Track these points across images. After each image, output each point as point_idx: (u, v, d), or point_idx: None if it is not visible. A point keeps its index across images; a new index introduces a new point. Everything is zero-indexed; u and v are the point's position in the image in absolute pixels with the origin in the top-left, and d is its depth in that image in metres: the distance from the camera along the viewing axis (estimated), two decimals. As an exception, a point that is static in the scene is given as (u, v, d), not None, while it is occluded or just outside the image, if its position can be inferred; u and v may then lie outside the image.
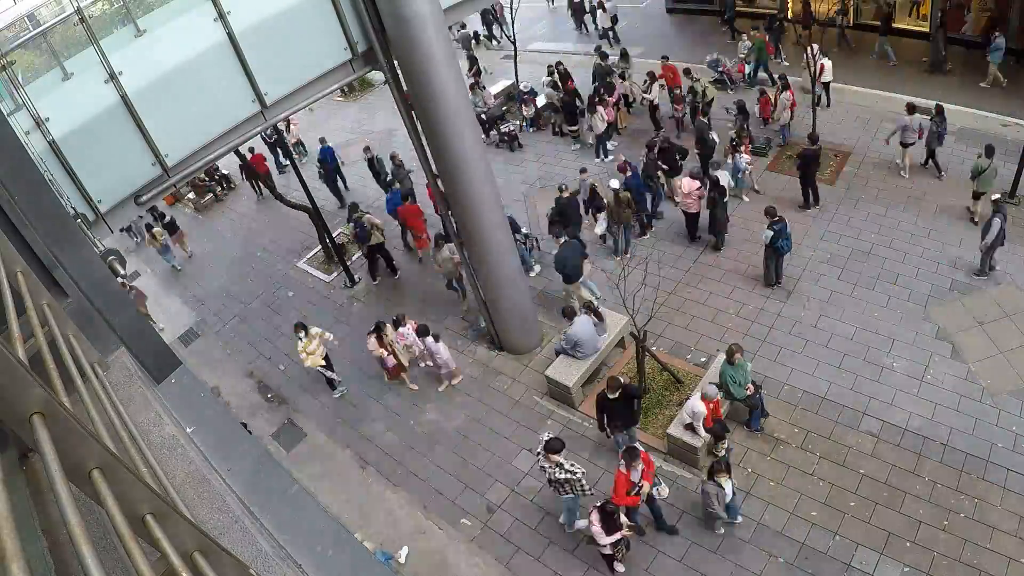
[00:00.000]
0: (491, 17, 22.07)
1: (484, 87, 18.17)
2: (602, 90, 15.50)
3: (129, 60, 6.07)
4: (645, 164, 13.01)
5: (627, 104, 16.67)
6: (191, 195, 18.44)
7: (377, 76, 19.78)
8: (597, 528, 7.09)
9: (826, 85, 14.74)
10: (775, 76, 15.04)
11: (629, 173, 12.33)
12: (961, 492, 7.89)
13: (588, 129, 15.63)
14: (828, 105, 14.98)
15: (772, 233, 10.38)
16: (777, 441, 8.90)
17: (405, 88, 8.50)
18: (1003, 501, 7.71)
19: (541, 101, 17.45)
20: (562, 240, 11.01)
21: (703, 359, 10.19)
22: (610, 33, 20.62)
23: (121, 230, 16.24)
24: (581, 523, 8.07)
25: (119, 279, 4.53)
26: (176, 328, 13.95)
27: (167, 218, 16.09)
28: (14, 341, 2.27)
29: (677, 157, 13.22)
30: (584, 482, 7.68)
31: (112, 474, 1.71)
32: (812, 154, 12.00)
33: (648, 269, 8.82)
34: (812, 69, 12.58)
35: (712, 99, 14.87)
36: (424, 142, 8.99)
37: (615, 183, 12.07)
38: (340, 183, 16.48)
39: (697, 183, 11.91)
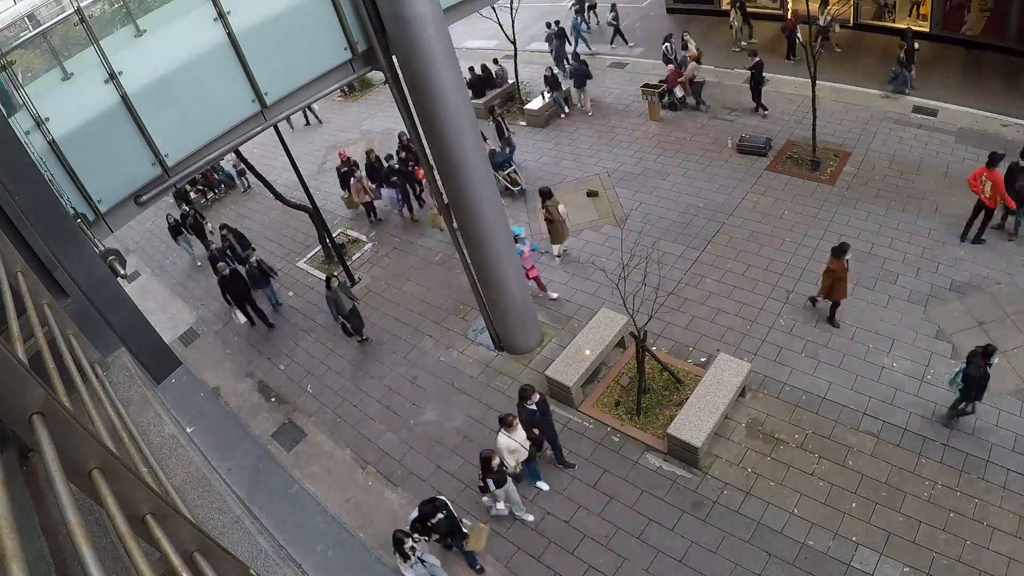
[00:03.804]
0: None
1: None
2: None
3: (129, 60, 6.07)
4: None
5: None
6: (191, 195, 18.42)
7: (377, 76, 19.82)
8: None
9: None
10: None
11: None
12: (961, 492, 7.89)
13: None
14: None
15: None
16: (777, 441, 8.90)
17: (405, 88, 8.50)
18: (1003, 501, 7.71)
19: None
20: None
21: (703, 359, 10.20)
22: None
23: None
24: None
25: (119, 279, 4.53)
26: (176, 328, 13.95)
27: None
28: (14, 341, 2.27)
29: None
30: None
31: (112, 474, 1.72)
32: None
33: (648, 269, 8.82)
34: (812, 69, 12.57)
35: None
36: (424, 142, 8.99)
37: None
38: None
39: None
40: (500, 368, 11.00)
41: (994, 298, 10.11)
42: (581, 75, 17.32)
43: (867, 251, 11.41)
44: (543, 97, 17.67)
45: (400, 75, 8.35)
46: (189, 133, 6.64)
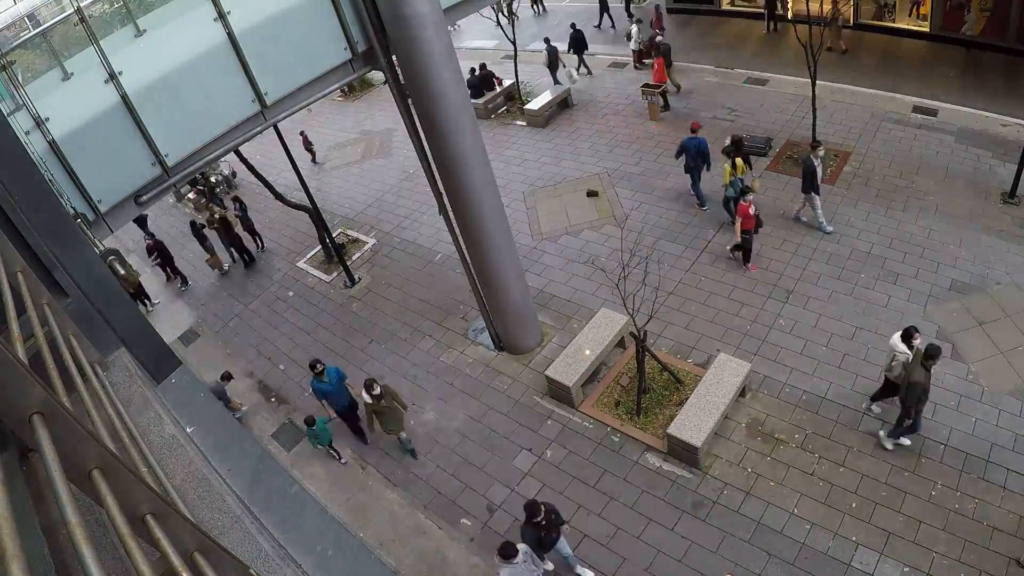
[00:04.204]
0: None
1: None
2: None
3: (129, 60, 6.07)
4: None
5: None
6: (191, 195, 18.44)
7: (377, 76, 19.86)
8: None
9: None
10: None
11: None
12: (961, 492, 7.89)
13: None
14: None
15: None
16: (777, 441, 8.91)
17: (405, 88, 8.50)
18: (1003, 501, 7.71)
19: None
20: None
21: (703, 359, 10.20)
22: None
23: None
24: None
25: (119, 279, 4.53)
26: (176, 328, 13.95)
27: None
28: (14, 341, 2.27)
29: None
30: None
31: (112, 474, 1.72)
32: None
33: (648, 269, 8.82)
34: (812, 69, 12.58)
35: None
36: (424, 142, 8.99)
37: None
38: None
39: None
40: (500, 368, 11.00)
41: (994, 298, 10.12)
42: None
43: (867, 251, 11.41)
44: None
45: (400, 75, 8.35)
46: (189, 133, 6.64)
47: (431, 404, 10.71)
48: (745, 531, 8.01)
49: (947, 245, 11.20)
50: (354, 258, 14.46)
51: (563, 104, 17.99)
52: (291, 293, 14.13)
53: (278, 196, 13.79)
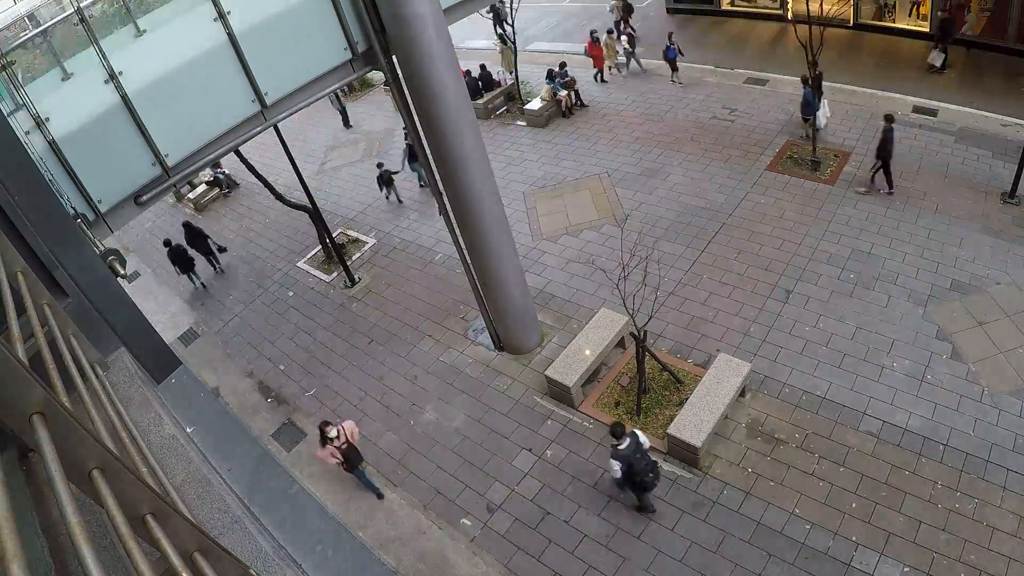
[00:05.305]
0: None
1: None
2: None
3: (129, 60, 6.07)
4: None
5: None
6: (191, 195, 18.44)
7: (377, 76, 19.85)
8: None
9: None
10: None
11: None
12: (961, 492, 7.89)
13: None
14: None
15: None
16: (777, 441, 8.91)
17: (405, 88, 8.50)
18: (1003, 501, 7.71)
19: None
20: None
21: (703, 359, 10.19)
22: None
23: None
24: None
25: (119, 279, 4.53)
26: (176, 328, 13.95)
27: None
28: (14, 341, 2.28)
29: None
30: None
31: (112, 474, 1.72)
32: None
33: (648, 269, 8.82)
34: (812, 70, 12.60)
35: None
36: (424, 142, 9.00)
37: None
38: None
39: None
40: (500, 368, 11.00)
41: (994, 298, 10.12)
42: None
43: (867, 251, 11.42)
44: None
45: (400, 75, 8.35)
46: (189, 133, 6.64)
47: (431, 404, 10.71)
48: (745, 531, 8.01)
49: (947, 245, 11.20)
50: (354, 258, 14.46)
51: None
52: (291, 293, 14.13)
53: (278, 196, 13.78)
